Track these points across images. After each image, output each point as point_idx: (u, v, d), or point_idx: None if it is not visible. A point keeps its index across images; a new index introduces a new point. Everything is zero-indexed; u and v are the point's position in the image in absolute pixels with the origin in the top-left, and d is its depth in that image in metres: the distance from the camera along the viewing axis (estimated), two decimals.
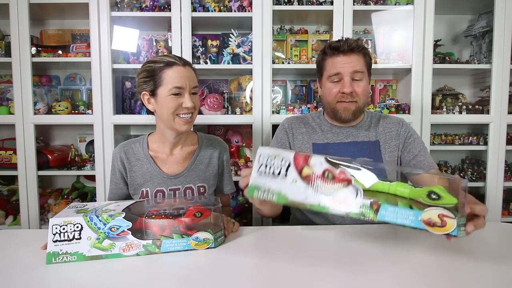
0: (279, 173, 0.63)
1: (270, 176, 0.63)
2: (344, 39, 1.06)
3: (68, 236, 0.74)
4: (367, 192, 0.62)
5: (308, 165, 0.62)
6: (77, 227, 0.75)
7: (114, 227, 0.76)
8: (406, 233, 0.85)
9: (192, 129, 1.16)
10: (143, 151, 1.08)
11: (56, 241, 0.74)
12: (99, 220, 0.75)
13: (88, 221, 0.75)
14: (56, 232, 0.74)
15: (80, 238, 0.74)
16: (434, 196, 0.58)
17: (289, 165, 0.62)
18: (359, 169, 0.63)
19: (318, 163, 0.61)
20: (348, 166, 0.63)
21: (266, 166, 0.64)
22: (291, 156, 0.62)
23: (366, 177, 0.62)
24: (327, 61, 1.07)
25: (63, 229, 0.74)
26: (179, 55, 1.05)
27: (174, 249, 0.78)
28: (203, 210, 0.80)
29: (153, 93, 1.00)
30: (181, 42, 1.64)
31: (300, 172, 0.62)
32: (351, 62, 1.03)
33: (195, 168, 1.09)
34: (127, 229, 0.76)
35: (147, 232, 0.77)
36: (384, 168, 1.04)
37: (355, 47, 1.03)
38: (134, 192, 1.08)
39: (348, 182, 0.60)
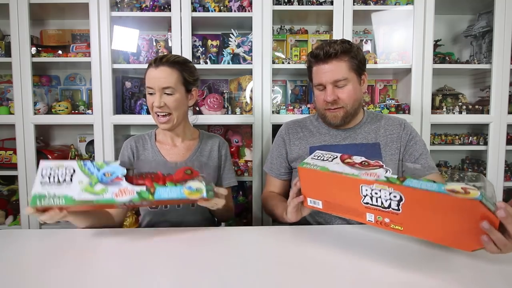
0: (328, 160, 0.76)
1: (322, 161, 0.76)
2: (323, 45, 1.02)
3: (58, 180, 0.71)
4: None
5: (350, 158, 0.73)
6: (69, 171, 0.71)
7: (108, 173, 0.72)
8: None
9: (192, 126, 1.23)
10: (150, 142, 1.16)
11: (44, 183, 0.71)
12: (93, 165, 0.72)
13: (82, 166, 0.72)
14: (46, 175, 0.71)
15: (71, 182, 0.71)
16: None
17: (336, 157, 0.75)
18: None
19: (358, 157, 0.72)
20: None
21: (319, 157, 0.78)
22: (339, 155, 0.74)
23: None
24: (312, 69, 1.06)
25: (54, 172, 0.71)
26: (174, 53, 1.10)
27: (168, 197, 0.75)
28: (193, 170, 0.79)
29: None
30: (181, 42, 1.64)
31: (343, 161, 0.73)
32: (330, 71, 1.00)
33: (197, 159, 1.14)
34: (121, 176, 0.73)
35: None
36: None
37: (333, 53, 0.99)
38: None
39: (380, 166, 0.69)
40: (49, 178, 0.70)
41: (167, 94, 1.03)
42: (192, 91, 1.11)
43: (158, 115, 1.05)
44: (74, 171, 0.71)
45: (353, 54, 1.02)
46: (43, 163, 0.71)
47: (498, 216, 0.55)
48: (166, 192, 0.75)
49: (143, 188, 0.74)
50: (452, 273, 0.67)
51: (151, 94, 1.04)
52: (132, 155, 1.14)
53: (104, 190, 0.72)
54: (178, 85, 1.05)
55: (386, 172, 0.66)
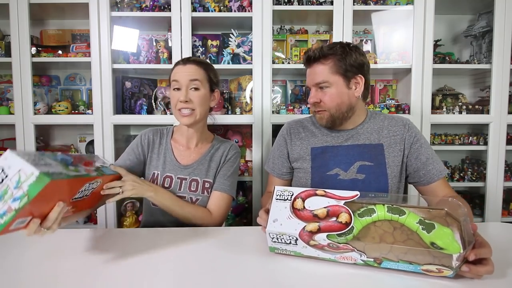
0: (290, 243, 0.71)
1: (284, 243, 0.72)
2: (311, 48, 1.08)
3: None
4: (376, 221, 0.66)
5: (313, 240, 0.68)
6: None
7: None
8: None
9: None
10: (166, 139, 1.16)
11: None
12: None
13: None
14: None
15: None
16: (436, 246, 0.60)
17: (296, 239, 0.69)
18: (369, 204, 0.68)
19: (321, 239, 0.67)
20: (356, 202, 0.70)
21: (277, 239, 0.72)
22: (297, 234, 0.69)
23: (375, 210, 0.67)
24: None
25: None
26: (189, 56, 1.10)
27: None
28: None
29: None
30: (181, 42, 1.64)
31: (307, 243, 0.69)
32: (314, 74, 1.04)
33: (205, 163, 1.13)
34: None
35: None
36: (387, 183, 1.03)
37: (312, 57, 1.03)
38: (148, 172, 1.13)
39: (351, 250, 0.66)
40: None
41: (194, 89, 1.05)
42: (214, 92, 1.13)
43: (181, 111, 1.05)
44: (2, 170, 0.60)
45: (339, 57, 1.01)
46: None
47: (469, 259, 0.61)
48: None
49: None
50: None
51: (177, 89, 1.05)
52: (147, 147, 1.14)
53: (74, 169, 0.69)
54: (204, 82, 1.07)
55: (361, 255, 0.66)
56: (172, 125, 1.24)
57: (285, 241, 0.71)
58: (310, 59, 1.04)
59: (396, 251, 0.63)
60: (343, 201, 0.69)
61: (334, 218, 0.67)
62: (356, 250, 0.66)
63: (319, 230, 0.67)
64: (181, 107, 1.04)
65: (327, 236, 0.66)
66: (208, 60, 1.70)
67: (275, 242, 0.72)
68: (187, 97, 1.03)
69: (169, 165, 1.11)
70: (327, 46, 1.04)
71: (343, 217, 0.67)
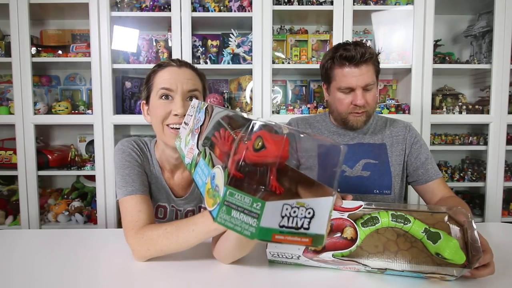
0: (292, 258, 0.67)
1: (285, 258, 0.68)
2: (352, 46, 0.98)
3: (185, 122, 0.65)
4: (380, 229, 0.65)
5: (317, 257, 0.64)
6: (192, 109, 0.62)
7: (198, 119, 0.52)
8: None
9: None
10: (152, 159, 0.91)
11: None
12: (199, 105, 0.57)
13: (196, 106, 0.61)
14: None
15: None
16: (441, 257, 0.60)
17: (299, 256, 0.66)
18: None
19: (326, 256, 0.64)
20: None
21: (278, 255, 0.67)
22: (300, 253, 0.65)
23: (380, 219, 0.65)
24: (336, 70, 1.01)
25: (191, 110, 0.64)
26: (181, 58, 0.92)
27: (197, 182, 0.44)
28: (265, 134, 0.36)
29: (147, 101, 0.88)
30: (181, 42, 1.64)
31: (311, 259, 0.65)
32: (362, 74, 0.97)
33: (197, 191, 0.95)
34: (198, 127, 0.50)
35: None
36: (391, 184, 1.04)
37: (368, 58, 0.97)
38: None
39: (356, 264, 0.64)
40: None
41: (190, 99, 0.83)
42: None
43: (170, 127, 0.81)
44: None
45: (377, 58, 1.02)
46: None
47: (472, 268, 0.61)
48: (198, 173, 0.44)
49: (195, 154, 0.45)
50: None
51: (167, 99, 0.82)
52: (140, 160, 0.87)
53: (188, 141, 0.52)
54: (201, 93, 0.87)
55: (365, 267, 0.64)
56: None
57: (286, 257, 0.67)
58: (358, 60, 0.97)
59: (400, 260, 0.62)
60: (347, 213, 0.65)
61: (339, 234, 0.64)
62: (360, 264, 0.64)
63: (324, 248, 0.63)
64: (173, 122, 0.80)
65: (332, 254, 0.64)
66: (208, 60, 1.71)
67: (275, 257, 0.68)
68: (184, 110, 0.77)
69: (162, 192, 0.90)
70: (366, 46, 0.99)
71: (348, 232, 0.64)
